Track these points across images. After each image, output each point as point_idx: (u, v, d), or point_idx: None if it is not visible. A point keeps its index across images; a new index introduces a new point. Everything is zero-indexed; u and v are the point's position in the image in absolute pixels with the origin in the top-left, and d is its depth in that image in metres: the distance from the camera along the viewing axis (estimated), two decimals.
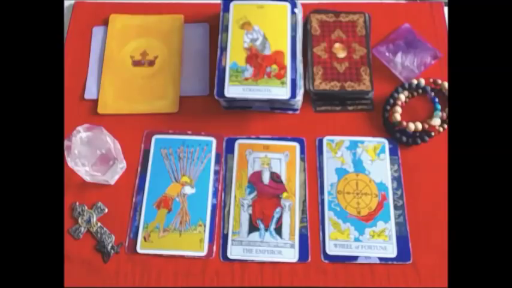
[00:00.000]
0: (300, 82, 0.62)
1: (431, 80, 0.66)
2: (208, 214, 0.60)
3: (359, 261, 0.57)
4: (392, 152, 0.63)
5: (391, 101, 0.65)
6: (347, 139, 0.64)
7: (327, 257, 0.58)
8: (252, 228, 0.59)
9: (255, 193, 0.61)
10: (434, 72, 0.67)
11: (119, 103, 0.66)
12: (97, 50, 0.71)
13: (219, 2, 0.67)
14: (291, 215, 0.60)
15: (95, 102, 0.67)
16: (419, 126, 0.62)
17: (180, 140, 0.64)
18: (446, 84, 0.65)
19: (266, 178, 0.62)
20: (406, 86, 0.65)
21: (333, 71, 0.65)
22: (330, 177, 0.62)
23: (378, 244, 0.58)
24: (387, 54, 0.68)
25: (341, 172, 0.62)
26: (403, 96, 0.65)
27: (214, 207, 0.60)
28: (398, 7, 0.73)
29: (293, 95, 0.61)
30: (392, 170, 0.62)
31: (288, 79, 0.62)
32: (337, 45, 0.67)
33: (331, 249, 0.58)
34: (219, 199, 0.61)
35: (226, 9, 0.66)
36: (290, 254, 0.58)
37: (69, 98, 0.67)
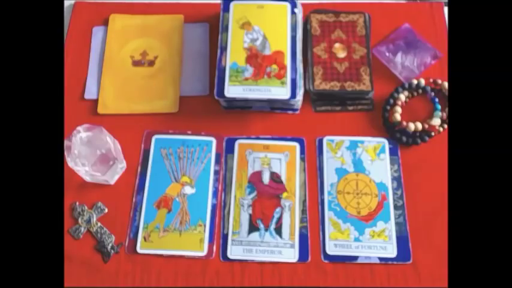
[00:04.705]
0: (300, 82, 0.62)
1: (431, 80, 0.66)
2: (208, 214, 0.60)
3: (359, 261, 0.57)
4: (392, 152, 0.63)
5: (391, 101, 0.65)
6: (347, 139, 0.64)
7: (327, 257, 0.58)
8: (252, 228, 0.59)
9: (255, 193, 0.61)
10: (434, 72, 0.67)
11: (119, 103, 0.66)
12: (97, 50, 0.71)
13: (219, 2, 0.67)
14: (291, 215, 0.60)
15: (95, 102, 0.67)
16: (419, 126, 0.62)
17: (180, 140, 0.64)
18: (446, 84, 0.65)
19: (266, 178, 0.62)
20: (406, 86, 0.65)
21: (333, 71, 0.65)
22: (330, 177, 0.62)
23: (378, 244, 0.58)
24: (387, 54, 0.68)
25: (341, 172, 0.62)
26: (403, 96, 0.65)
27: (214, 207, 0.60)
28: (398, 7, 0.73)
29: (293, 95, 0.61)
30: (392, 170, 0.62)
31: (288, 79, 0.62)
32: (337, 45, 0.67)
33: (331, 249, 0.58)
34: (219, 199, 0.61)
35: (226, 9, 0.66)
36: (290, 254, 0.58)
37: (69, 98, 0.67)
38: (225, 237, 0.59)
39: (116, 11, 0.73)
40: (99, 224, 0.60)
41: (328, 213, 0.60)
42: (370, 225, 0.59)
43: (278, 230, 0.59)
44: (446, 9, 0.72)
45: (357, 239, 0.58)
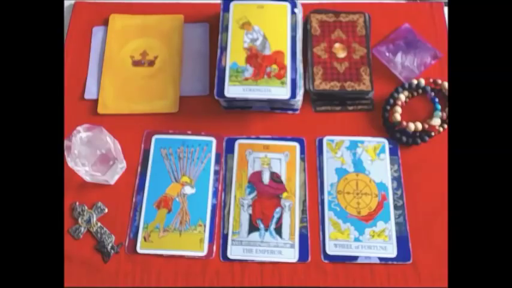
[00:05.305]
0: (300, 82, 0.62)
1: (431, 80, 0.66)
2: (208, 214, 0.60)
3: (359, 261, 0.57)
4: (392, 152, 0.63)
5: (391, 101, 0.65)
6: (347, 139, 0.64)
7: (327, 257, 0.58)
8: (252, 228, 0.59)
9: (255, 193, 0.61)
10: (434, 72, 0.67)
11: (119, 103, 0.66)
12: (97, 50, 0.71)
13: (219, 2, 0.67)
14: (291, 215, 0.60)
15: (95, 102, 0.67)
16: (419, 126, 0.62)
17: (180, 140, 0.64)
18: (446, 84, 0.65)
19: (266, 178, 0.62)
20: (406, 86, 0.65)
21: (333, 71, 0.65)
22: (330, 177, 0.62)
23: (378, 244, 0.58)
24: (387, 54, 0.68)
25: (341, 172, 0.62)
26: (403, 96, 0.65)
27: (214, 207, 0.60)
28: (398, 7, 0.73)
29: (293, 95, 0.61)
30: (392, 170, 0.62)
31: (288, 79, 0.62)
32: (337, 45, 0.67)
33: (331, 249, 0.58)
34: (219, 199, 0.61)
35: (226, 9, 0.66)
36: (290, 254, 0.58)
37: (69, 98, 0.67)
38: (225, 237, 0.59)
39: (116, 11, 0.73)
40: (99, 224, 0.60)
41: (328, 213, 0.60)
42: (370, 225, 0.59)
43: (278, 230, 0.59)
44: (446, 9, 0.72)
45: (357, 239, 0.58)
